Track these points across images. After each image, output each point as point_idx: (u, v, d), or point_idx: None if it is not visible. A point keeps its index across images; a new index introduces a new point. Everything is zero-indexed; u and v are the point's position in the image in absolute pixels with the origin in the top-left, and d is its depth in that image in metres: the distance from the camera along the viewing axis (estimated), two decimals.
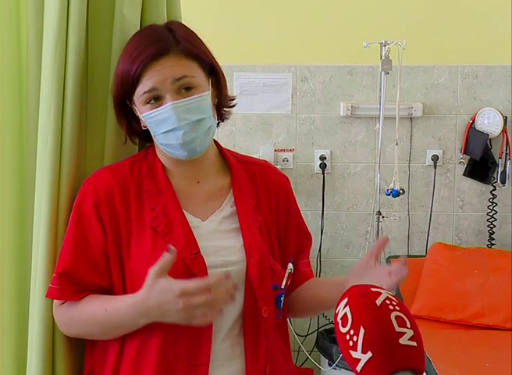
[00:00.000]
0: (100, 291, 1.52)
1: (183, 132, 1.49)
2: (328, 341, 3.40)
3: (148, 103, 1.50)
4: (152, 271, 1.40)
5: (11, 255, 1.67)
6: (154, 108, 1.50)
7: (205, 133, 1.52)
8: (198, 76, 1.52)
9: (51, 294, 1.52)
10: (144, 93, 1.49)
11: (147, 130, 1.55)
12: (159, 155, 1.59)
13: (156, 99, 1.49)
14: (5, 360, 1.66)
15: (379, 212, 3.29)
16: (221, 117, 1.62)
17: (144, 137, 1.60)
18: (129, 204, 1.53)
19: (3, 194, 1.66)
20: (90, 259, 1.51)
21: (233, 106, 1.64)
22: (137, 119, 1.57)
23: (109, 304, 1.48)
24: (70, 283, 1.50)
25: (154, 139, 1.55)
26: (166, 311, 1.40)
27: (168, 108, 1.48)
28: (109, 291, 1.52)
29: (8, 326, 1.66)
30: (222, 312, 1.41)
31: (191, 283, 1.38)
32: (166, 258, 1.39)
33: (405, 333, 0.98)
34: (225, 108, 1.62)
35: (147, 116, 1.51)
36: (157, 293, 1.39)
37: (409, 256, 3.62)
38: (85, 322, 1.52)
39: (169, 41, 1.50)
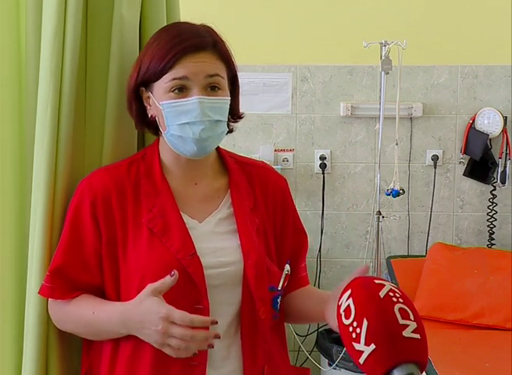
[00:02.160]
0: (92, 290, 1.52)
1: (202, 128, 1.48)
2: (328, 341, 3.39)
3: (172, 92, 1.49)
4: (149, 287, 1.40)
5: (11, 253, 1.67)
6: (178, 98, 1.49)
7: (219, 135, 1.53)
8: (225, 80, 1.54)
9: (43, 291, 1.53)
10: (174, 79, 1.48)
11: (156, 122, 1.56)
12: (161, 152, 1.59)
13: (180, 90, 1.49)
14: (5, 355, 1.66)
15: (379, 212, 3.29)
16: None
17: (154, 128, 1.60)
18: (126, 205, 1.53)
19: (3, 193, 1.66)
20: (83, 259, 1.51)
21: (238, 121, 1.65)
22: (145, 110, 1.57)
23: (98, 307, 1.49)
24: (62, 282, 1.51)
25: (163, 131, 1.54)
26: (144, 328, 1.40)
27: (194, 100, 1.48)
28: (102, 289, 1.52)
29: (8, 322, 1.66)
30: (195, 354, 1.39)
31: (177, 312, 1.36)
32: (167, 281, 1.39)
33: (408, 325, 0.98)
34: (232, 121, 1.62)
35: (169, 104, 1.50)
36: (144, 308, 1.39)
37: (409, 256, 3.63)
38: (74, 321, 1.53)
39: (208, 39, 1.52)
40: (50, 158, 1.57)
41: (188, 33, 1.52)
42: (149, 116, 1.57)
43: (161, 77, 1.50)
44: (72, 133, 1.61)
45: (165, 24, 1.71)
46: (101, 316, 1.48)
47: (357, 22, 3.54)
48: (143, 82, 1.54)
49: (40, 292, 1.53)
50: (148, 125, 1.59)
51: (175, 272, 1.39)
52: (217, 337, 1.38)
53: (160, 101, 1.51)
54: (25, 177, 1.66)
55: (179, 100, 1.49)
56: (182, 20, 1.74)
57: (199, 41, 1.50)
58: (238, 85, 1.60)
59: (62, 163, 1.59)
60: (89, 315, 1.49)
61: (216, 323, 1.38)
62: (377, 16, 3.54)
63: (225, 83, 1.53)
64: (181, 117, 1.49)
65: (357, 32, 3.44)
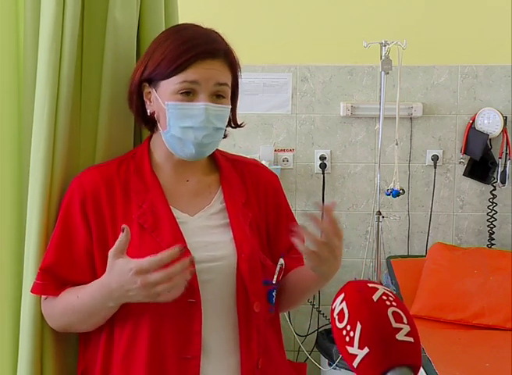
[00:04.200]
0: None
1: (205, 134, 1.50)
2: (328, 341, 3.40)
3: (179, 94, 1.50)
4: (110, 252, 1.40)
5: (9, 252, 1.67)
6: (184, 101, 1.50)
7: (217, 141, 1.56)
8: (230, 89, 1.56)
9: (35, 289, 1.54)
10: (184, 82, 1.49)
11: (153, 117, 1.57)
12: (153, 149, 1.60)
13: (187, 93, 1.50)
14: (4, 354, 1.67)
15: (379, 212, 3.29)
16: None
17: (150, 124, 1.60)
18: (116, 202, 1.54)
19: (2, 191, 1.66)
20: (73, 257, 1.52)
21: (234, 128, 1.66)
22: (144, 105, 1.58)
23: (80, 291, 1.50)
24: (53, 279, 1.52)
25: (163, 130, 1.55)
26: (128, 291, 1.40)
27: (201, 106, 1.50)
28: None
29: (6, 322, 1.67)
30: (184, 288, 1.40)
31: (144, 261, 1.37)
32: (122, 238, 1.39)
33: (402, 328, 0.98)
34: (230, 127, 1.65)
35: (175, 105, 1.50)
36: (116, 273, 1.40)
37: (409, 256, 3.63)
38: (62, 311, 1.53)
39: (221, 47, 1.54)
40: (46, 157, 1.58)
41: (202, 38, 1.53)
42: (148, 112, 1.57)
43: (171, 78, 1.50)
44: (68, 133, 1.62)
45: (164, 26, 1.72)
46: (85, 297, 1.48)
47: (357, 22, 3.54)
48: (148, 78, 1.54)
49: (32, 290, 1.54)
50: (146, 121, 1.60)
51: (124, 227, 1.39)
52: (191, 260, 1.39)
53: (165, 100, 1.51)
54: (23, 176, 1.67)
55: (186, 103, 1.50)
56: (181, 20, 1.74)
57: (213, 47, 1.52)
58: (238, 94, 1.62)
59: (58, 162, 1.60)
60: (74, 300, 1.50)
61: (184, 248, 1.39)
62: (377, 16, 3.54)
63: (229, 92, 1.56)
64: (185, 120, 1.50)
65: (357, 32, 3.44)
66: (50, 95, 1.57)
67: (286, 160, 3.63)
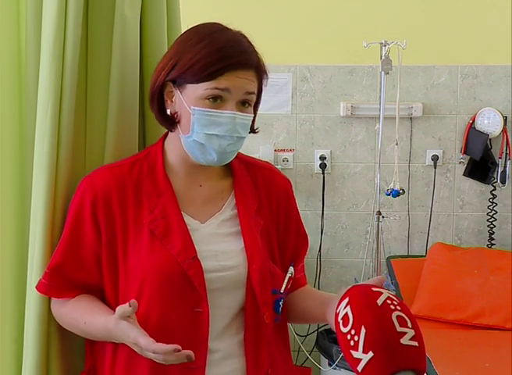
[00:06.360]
0: (91, 289, 1.53)
1: (230, 142, 1.48)
2: (328, 341, 3.40)
3: (207, 99, 1.47)
4: (117, 311, 1.39)
5: (11, 253, 1.67)
6: (213, 107, 1.47)
7: (238, 150, 1.54)
8: (255, 98, 1.54)
9: (40, 287, 1.54)
10: (215, 88, 1.46)
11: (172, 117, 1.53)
12: (168, 150, 1.57)
13: (215, 99, 1.47)
14: (5, 355, 1.67)
15: (379, 212, 3.29)
16: None
17: (168, 124, 1.56)
18: (127, 205, 1.52)
19: (3, 193, 1.66)
20: (81, 259, 1.52)
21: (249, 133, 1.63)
22: (164, 103, 1.54)
23: (88, 319, 1.50)
24: (59, 280, 1.52)
25: (184, 134, 1.51)
26: (130, 345, 1.41)
27: (229, 114, 1.47)
28: (101, 288, 1.53)
29: (7, 322, 1.67)
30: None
31: (142, 341, 1.36)
32: (127, 309, 1.37)
33: (406, 333, 0.99)
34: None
35: (202, 111, 1.47)
36: (119, 330, 1.40)
37: (409, 256, 3.63)
38: (70, 325, 1.56)
39: (254, 57, 1.51)
40: (50, 160, 1.57)
41: (236, 47, 1.49)
42: (168, 111, 1.54)
43: (201, 82, 1.47)
44: (72, 134, 1.61)
45: (166, 24, 1.71)
46: (92, 328, 1.49)
47: (357, 22, 3.54)
48: (174, 78, 1.50)
49: (37, 287, 1.54)
50: (165, 120, 1.55)
51: (132, 302, 1.37)
52: (189, 359, 1.35)
53: (192, 104, 1.48)
54: (25, 178, 1.66)
55: (214, 110, 1.47)
56: (182, 20, 1.74)
57: (246, 58, 1.49)
58: (260, 102, 1.58)
59: (62, 164, 1.59)
60: (82, 323, 1.51)
61: (179, 351, 1.35)
62: (377, 16, 3.54)
63: (254, 100, 1.54)
64: (211, 127, 1.47)
65: (357, 32, 3.43)
66: (53, 97, 1.56)
67: (286, 160, 3.63)
